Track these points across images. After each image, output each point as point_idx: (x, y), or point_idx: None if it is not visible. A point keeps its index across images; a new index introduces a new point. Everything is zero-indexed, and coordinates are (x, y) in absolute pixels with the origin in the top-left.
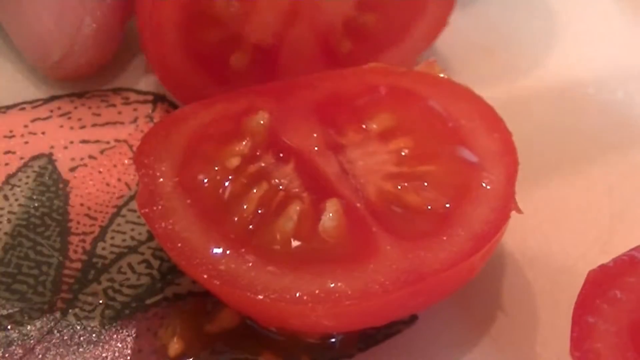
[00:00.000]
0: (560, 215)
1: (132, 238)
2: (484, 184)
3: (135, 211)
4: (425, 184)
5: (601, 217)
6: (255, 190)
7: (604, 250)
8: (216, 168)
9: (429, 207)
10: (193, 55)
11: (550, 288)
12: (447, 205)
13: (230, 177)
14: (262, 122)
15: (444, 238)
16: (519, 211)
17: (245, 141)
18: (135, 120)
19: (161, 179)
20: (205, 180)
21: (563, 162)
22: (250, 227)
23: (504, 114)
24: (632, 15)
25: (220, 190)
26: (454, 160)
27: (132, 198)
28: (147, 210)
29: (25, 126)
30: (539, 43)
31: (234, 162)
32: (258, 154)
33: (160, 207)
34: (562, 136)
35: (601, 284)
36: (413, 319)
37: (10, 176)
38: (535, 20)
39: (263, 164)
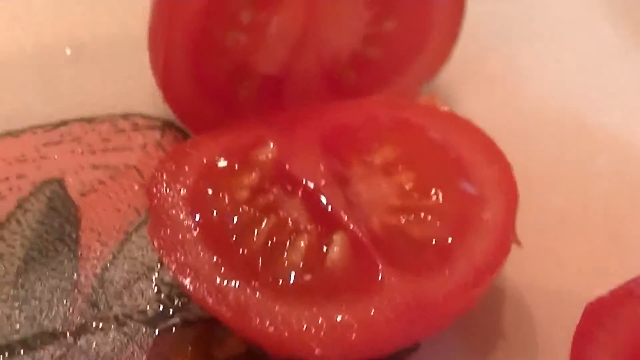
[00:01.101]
0: (558, 242)
1: (142, 264)
2: (485, 217)
3: (145, 237)
4: (429, 217)
5: (599, 241)
6: (264, 223)
7: (602, 274)
8: (226, 200)
9: (433, 241)
10: (202, 84)
11: (549, 315)
12: (450, 239)
13: (239, 210)
14: (269, 154)
15: (447, 271)
16: (519, 244)
17: (254, 173)
18: (144, 146)
19: (172, 210)
20: (215, 212)
21: (562, 191)
22: (259, 259)
23: (504, 145)
24: (628, 37)
25: (230, 223)
26: (456, 193)
27: (142, 224)
28: (158, 240)
29: (37, 150)
30: (537, 74)
31: (243, 194)
32: (266, 186)
33: (171, 237)
34: (561, 162)
35: (599, 316)
36: (415, 346)
37: (22, 200)
38: (532, 50)
39: (271, 197)
